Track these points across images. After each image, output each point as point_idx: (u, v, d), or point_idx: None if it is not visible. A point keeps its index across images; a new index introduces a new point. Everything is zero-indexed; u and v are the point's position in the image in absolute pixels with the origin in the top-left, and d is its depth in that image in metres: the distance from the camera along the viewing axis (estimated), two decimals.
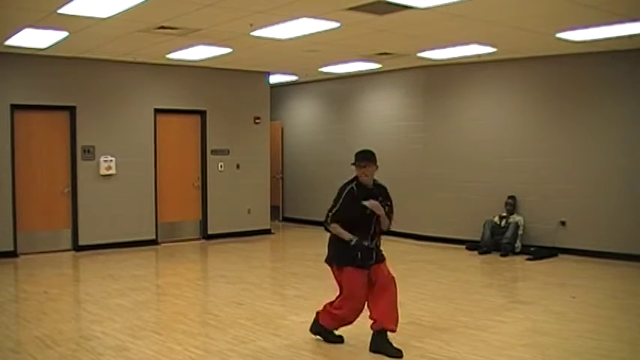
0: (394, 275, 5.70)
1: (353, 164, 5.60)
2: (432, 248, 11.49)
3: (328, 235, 5.71)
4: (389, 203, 5.63)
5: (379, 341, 5.54)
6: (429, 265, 9.94)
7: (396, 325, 5.56)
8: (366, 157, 5.56)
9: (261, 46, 9.71)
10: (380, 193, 5.60)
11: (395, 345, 5.52)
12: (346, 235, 5.47)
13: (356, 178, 5.61)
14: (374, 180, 5.63)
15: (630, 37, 8.63)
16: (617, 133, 10.05)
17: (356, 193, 5.52)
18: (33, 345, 5.77)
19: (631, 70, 9.89)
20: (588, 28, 8.32)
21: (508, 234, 10.62)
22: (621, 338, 5.98)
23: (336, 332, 5.88)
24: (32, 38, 8.93)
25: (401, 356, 5.42)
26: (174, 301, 7.69)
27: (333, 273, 5.71)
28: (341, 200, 5.53)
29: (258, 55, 10.67)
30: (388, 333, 5.56)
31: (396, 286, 5.64)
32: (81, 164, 11.03)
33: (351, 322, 5.74)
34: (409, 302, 7.33)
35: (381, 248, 5.71)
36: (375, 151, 5.67)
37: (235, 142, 12.90)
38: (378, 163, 5.61)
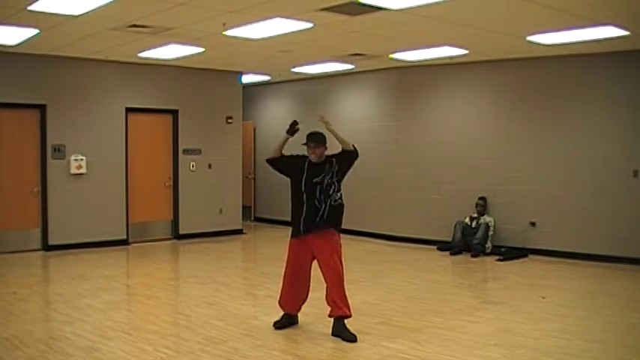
0: (342, 263, 6.08)
1: (304, 144, 6.03)
2: (404, 249, 11.54)
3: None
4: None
5: (336, 326, 5.96)
6: (400, 265, 9.99)
7: (348, 310, 5.95)
8: (316, 139, 5.99)
9: (234, 46, 9.69)
10: (328, 161, 6.02)
11: (366, 343, 5.64)
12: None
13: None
14: (326, 156, 6.07)
15: (599, 41, 8.76)
16: (586, 135, 10.19)
17: (307, 165, 5.99)
18: (1, 346, 5.69)
19: (600, 74, 10.04)
20: (558, 32, 8.43)
21: (479, 235, 10.71)
22: (590, 338, 6.05)
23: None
24: (2, 35, 8.80)
25: (355, 340, 5.78)
26: (145, 302, 7.64)
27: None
28: (291, 154, 6.11)
29: (230, 54, 10.65)
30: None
31: (338, 272, 5.95)
32: (51, 163, 10.89)
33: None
34: (380, 302, 7.38)
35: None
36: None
37: (207, 141, 12.85)
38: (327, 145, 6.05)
